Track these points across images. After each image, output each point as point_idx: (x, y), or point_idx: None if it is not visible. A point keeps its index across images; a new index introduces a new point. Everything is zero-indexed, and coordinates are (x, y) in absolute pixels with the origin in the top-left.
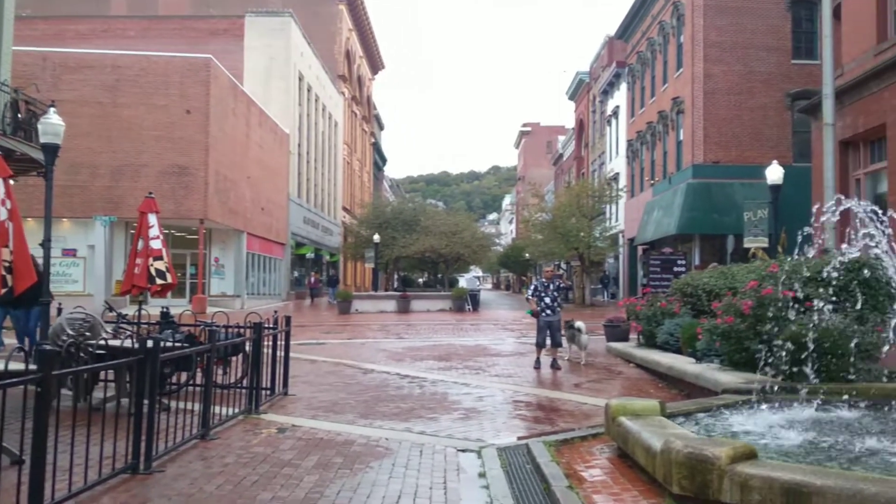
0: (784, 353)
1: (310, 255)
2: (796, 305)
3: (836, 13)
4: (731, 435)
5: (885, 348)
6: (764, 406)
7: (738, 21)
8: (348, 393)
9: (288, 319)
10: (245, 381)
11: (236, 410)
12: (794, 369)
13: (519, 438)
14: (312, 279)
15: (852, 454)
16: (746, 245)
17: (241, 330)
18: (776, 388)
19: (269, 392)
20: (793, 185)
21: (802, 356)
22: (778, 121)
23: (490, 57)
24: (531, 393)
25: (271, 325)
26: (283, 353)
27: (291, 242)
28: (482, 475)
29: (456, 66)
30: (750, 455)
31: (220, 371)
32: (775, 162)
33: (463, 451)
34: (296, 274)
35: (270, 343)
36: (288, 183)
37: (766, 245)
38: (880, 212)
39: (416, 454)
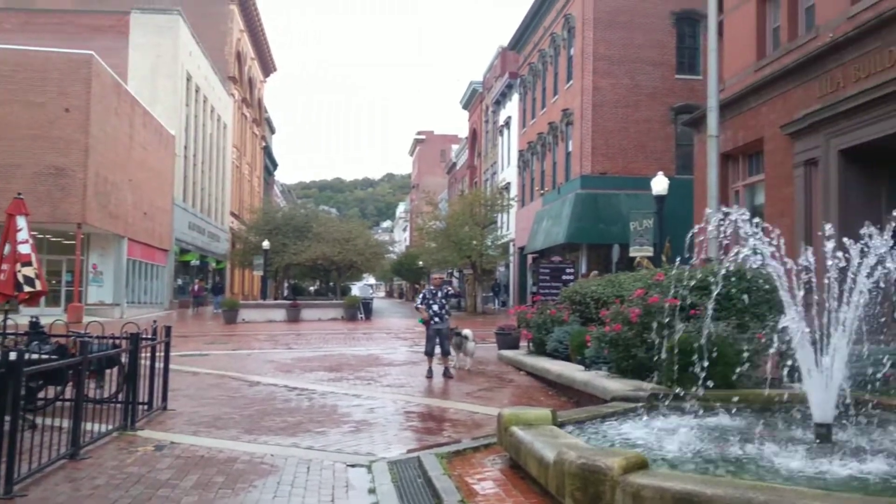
0: (671, 361)
1: (195, 262)
2: (681, 313)
3: (720, 30)
4: (621, 444)
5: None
6: (652, 414)
7: (626, 35)
8: (232, 407)
9: (168, 330)
10: (120, 396)
11: (110, 427)
12: (681, 377)
13: (410, 451)
14: (196, 287)
15: (739, 461)
16: (632, 254)
17: (117, 341)
18: (664, 395)
19: (146, 407)
20: (676, 197)
21: (688, 364)
22: (662, 134)
23: (386, 64)
24: (423, 403)
25: (150, 336)
26: (162, 366)
27: (175, 249)
28: (372, 491)
29: (352, 71)
30: (642, 465)
31: (92, 385)
32: (661, 173)
33: (353, 466)
34: (180, 282)
35: (149, 355)
36: (173, 186)
37: (651, 254)
38: (757, 222)
39: (304, 471)
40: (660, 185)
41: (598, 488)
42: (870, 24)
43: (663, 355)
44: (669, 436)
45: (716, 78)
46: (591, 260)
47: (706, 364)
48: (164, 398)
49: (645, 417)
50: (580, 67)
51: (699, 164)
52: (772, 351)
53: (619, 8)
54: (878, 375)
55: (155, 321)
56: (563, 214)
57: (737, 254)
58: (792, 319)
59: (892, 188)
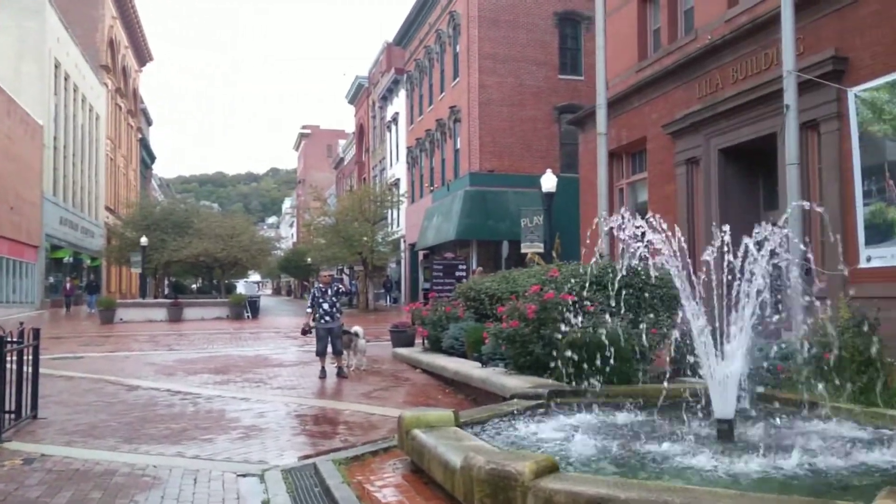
0: (568, 358)
1: (68, 258)
2: (576, 309)
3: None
4: (526, 444)
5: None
6: (553, 412)
7: (511, 34)
8: (110, 414)
9: (36, 332)
10: None
11: None
12: (578, 373)
13: (305, 457)
14: (68, 285)
15: (645, 460)
16: (524, 250)
17: None
18: (564, 392)
19: (13, 416)
20: (562, 194)
21: (585, 360)
22: (547, 133)
23: (270, 55)
24: (317, 405)
25: (15, 339)
26: (30, 370)
27: (46, 245)
28: (266, 503)
29: (234, 63)
30: (552, 468)
31: None
32: (549, 171)
33: (243, 475)
34: (51, 280)
35: (15, 359)
36: (42, 179)
37: (542, 250)
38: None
39: (190, 482)
40: (549, 182)
41: (509, 494)
42: (745, 27)
43: (561, 352)
44: (573, 435)
45: (604, 75)
46: (480, 256)
47: (602, 360)
48: (34, 406)
49: (545, 415)
50: (466, 65)
51: (584, 162)
52: (668, 345)
53: (503, 6)
54: (767, 368)
55: (22, 323)
56: (453, 211)
57: (637, 250)
58: (691, 314)
59: (766, 185)
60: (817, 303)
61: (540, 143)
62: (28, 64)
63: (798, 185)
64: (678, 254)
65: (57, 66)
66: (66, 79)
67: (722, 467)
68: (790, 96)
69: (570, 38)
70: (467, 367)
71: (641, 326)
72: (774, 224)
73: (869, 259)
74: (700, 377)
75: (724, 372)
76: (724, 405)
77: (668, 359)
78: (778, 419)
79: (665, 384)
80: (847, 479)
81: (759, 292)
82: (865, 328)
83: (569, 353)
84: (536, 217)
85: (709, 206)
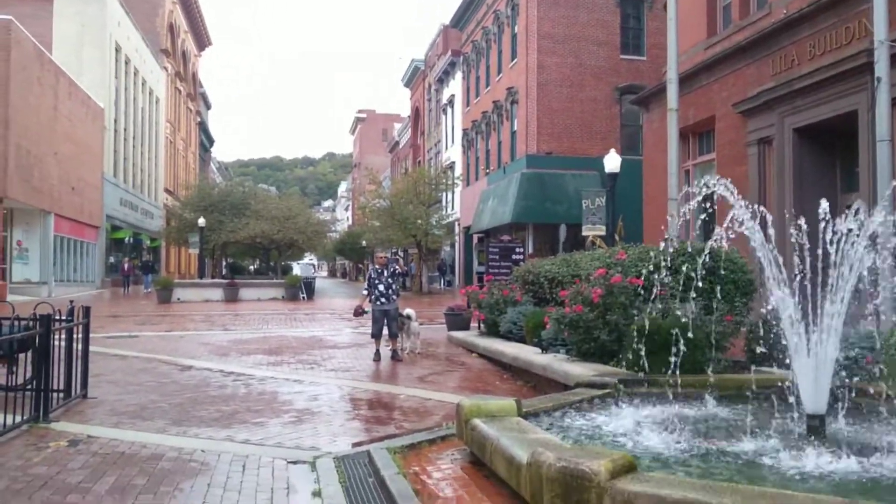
0: (637, 345)
1: (128, 239)
2: (645, 294)
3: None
4: (597, 438)
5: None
6: (623, 402)
7: (571, 14)
8: (161, 394)
9: (87, 310)
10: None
11: (19, 419)
12: (648, 361)
13: (358, 444)
14: (126, 266)
15: (735, 460)
16: (585, 233)
17: (31, 322)
18: (634, 381)
19: (63, 395)
20: (623, 177)
21: (656, 348)
22: (607, 114)
23: (326, 41)
24: (371, 389)
25: (64, 318)
26: (80, 348)
27: (107, 225)
28: (317, 494)
29: (291, 48)
30: (630, 467)
31: (3, 370)
32: (613, 151)
33: (294, 462)
34: (112, 259)
35: (65, 337)
36: (102, 161)
37: (603, 233)
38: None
39: (238, 469)
40: (612, 162)
41: (583, 496)
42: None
43: (629, 338)
44: (648, 428)
45: (675, 47)
46: (537, 240)
47: (674, 347)
48: (84, 385)
49: (616, 406)
50: (525, 45)
51: (648, 142)
52: (743, 333)
53: None
54: (857, 360)
55: (72, 301)
56: (509, 194)
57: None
58: (781, 300)
59: (844, 166)
60: None
61: (600, 124)
62: (89, 48)
63: (889, 163)
64: (764, 234)
65: (118, 51)
66: (126, 63)
67: (816, 468)
68: (882, 68)
69: (633, 18)
70: (527, 353)
71: (715, 313)
72: (848, 207)
73: None
74: (778, 367)
75: (817, 363)
76: (815, 399)
77: (744, 348)
78: (870, 415)
79: (750, 374)
80: None
81: (857, 279)
82: None
83: (638, 341)
84: (599, 198)
85: (782, 188)
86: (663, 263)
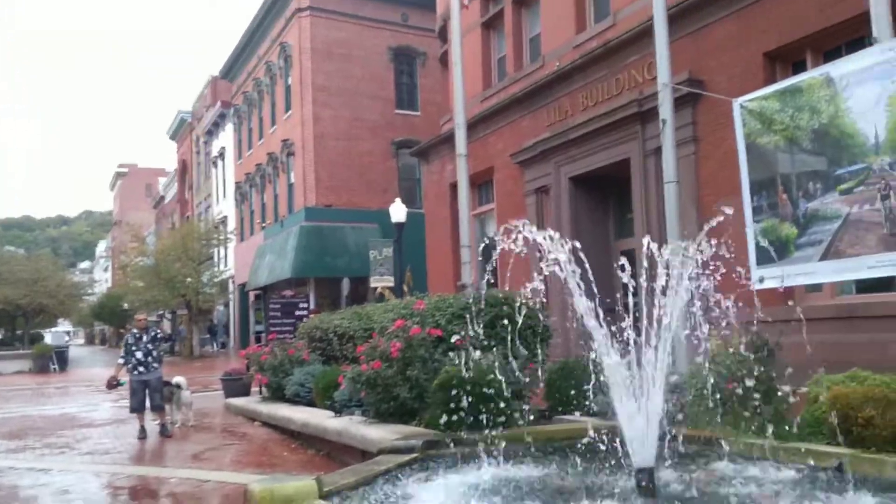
0: (440, 401)
1: None
2: (443, 346)
3: (443, 61)
4: None
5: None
6: (435, 467)
7: (345, 67)
8: None
9: None
10: None
11: None
12: (451, 418)
13: None
14: None
15: None
16: (373, 284)
17: None
18: (438, 442)
19: None
20: (405, 229)
21: (459, 403)
22: (385, 167)
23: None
24: (135, 473)
25: None
26: None
27: None
28: None
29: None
30: None
31: None
32: (398, 200)
33: None
34: None
35: None
36: None
37: (392, 284)
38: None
39: None
40: (398, 212)
41: None
42: (595, 52)
43: (432, 394)
44: (476, 500)
45: (462, 96)
46: (319, 294)
47: (478, 401)
48: None
49: (427, 473)
50: (299, 97)
51: (429, 194)
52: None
53: (337, 40)
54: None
55: None
56: (287, 248)
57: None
58: (602, 346)
59: (617, 212)
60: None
61: (378, 177)
62: None
63: (677, 202)
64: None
65: None
66: None
67: None
68: (666, 110)
69: (406, 74)
70: (318, 417)
71: (514, 362)
72: (623, 253)
73: (762, 280)
74: (582, 414)
75: (643, 411)
76: (643, 451)
77: (544, 397)
78: (693, 462)
79: (561, 424)
80: None
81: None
82: (765, 354)
83: (441, 396)
84: (386, 249)
85: (560, 235)
86: (461, 313)
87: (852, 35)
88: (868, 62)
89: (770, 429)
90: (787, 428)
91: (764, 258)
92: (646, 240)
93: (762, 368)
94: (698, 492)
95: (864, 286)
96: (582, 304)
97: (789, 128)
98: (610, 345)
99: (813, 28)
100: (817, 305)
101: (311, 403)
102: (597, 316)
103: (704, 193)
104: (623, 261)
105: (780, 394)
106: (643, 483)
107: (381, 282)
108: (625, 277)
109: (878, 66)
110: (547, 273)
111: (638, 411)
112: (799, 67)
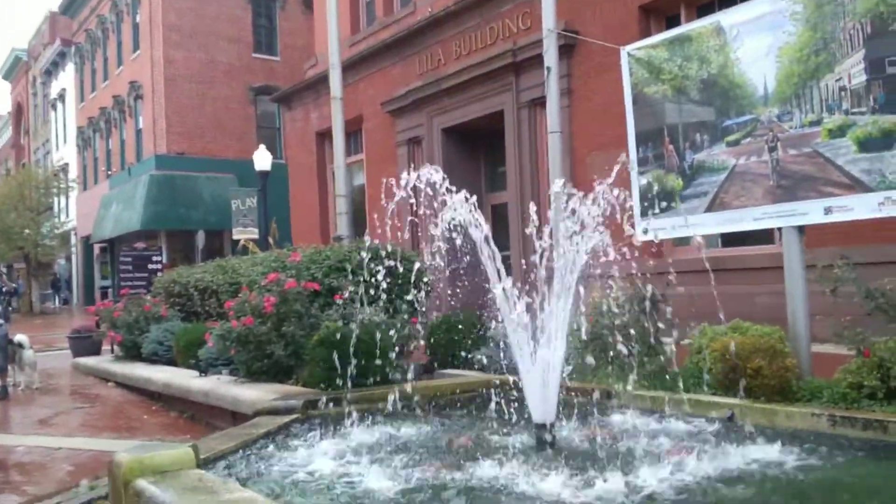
0: (320, 358)
1: None
2: (320, 299)
3: (308, 2)
4: (309, 486)
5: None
6: (320, 429)
7: (198, 6)
8: None
9: None
10: None
11: None
12: (331, 376)
13: None
14: None
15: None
16: (236, 237)
17: None
18: (318, 402)
19: None
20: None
21: (339, 360)
22: (242, 114)
23: None
24: None
25: None
26: None
27: None
28: None
29: None
30: None
31: None
32: (263, 147)
33: None
34: None
35: None
36: None
37: (256, 236)
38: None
39: None
40: (263, 160)
41: None
42: None
43: (310, 351)
44: (365, 461)
45: (337, 34)
46: (172, 248)
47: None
48: None
49: (310, 435)
50: (149, 36)
51: (292, 143)
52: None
53: None
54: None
55: None
56: (136, 198)
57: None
58: (503, 300)
59: (489, 166)
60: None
61: (234, 125)
62: None
63: (560, 154)
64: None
65: None
66: None
67: (569, 494)
68: (551, 58)
69: (265, 17)
70: (181, 377)
71: (398, 316)
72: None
73: (646, 231)
74: (467, 369)
75: (545, 363)
76: (543, 406)
77: (426, 351)
78: (586, 416)
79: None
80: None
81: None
82: (648, 306)
83: (321, 353)
84: (249, 199)
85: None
86: (339, 265)
87: None
88: (759, 12)
89: (658, 381)
90: (669, 379)
91: (648, 209)
92: (559, 182)
93: (644, 320)
94: (599, 444)
95: (730, 239)
96: (487, 259)
97: (677, 77)
98: (507, 297)
99: None
100: (688, 259)
101: (171, 362)
102: (496, 269)
103: (578, 145)
104: (531, 210)
105: (663, 345)
106: (545, 438)
107: (244, 234)
108: (529, 228)
109: (769, 16)
110: (436, 228)
111: (535, 367)
112: (673, 21)
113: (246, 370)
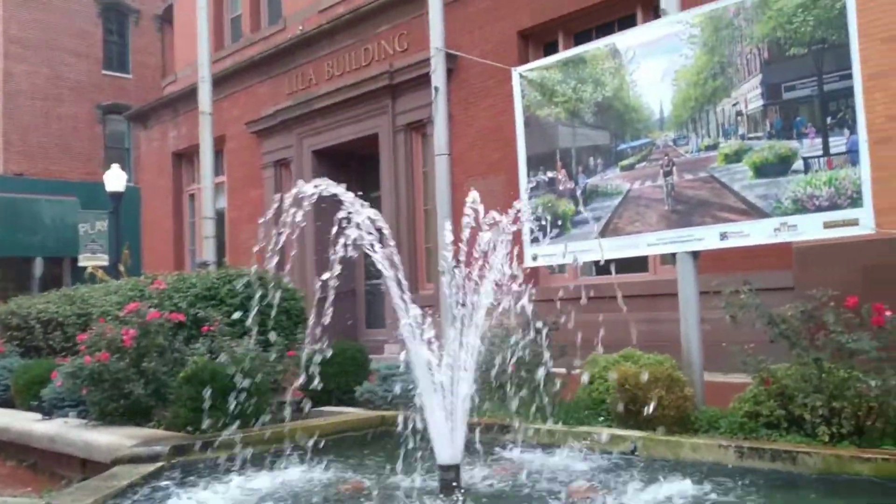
0: (188, 397)
1: None
2: (184, 332)
3: (167, 18)
4: None
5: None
6: (192, 479)
7: (44, 18)
8: None
9: None
10: None
11: None
12: (198, 417)
13: None
14: None
15: None
16: (83, 263)
17: None
18: (187, 447)
19: None
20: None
21: (209, 398)
22: (89, 134)
23: None
24: None
25: None
26: None
27: None
28: None
29: None
30: None
31: None
32: (116, 166)
33: None
34: None
35: None
36: None
37: (106, 263)
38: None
39: None
40: (116, 180)
41: None
42: (343, 17)
43: (176, 390)
44: None
45: (208, 48)
46: (6, 277)
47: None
48: None
49: (182, 486)
50: None
51: (147, 164)
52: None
53: None
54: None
55: None
56: None
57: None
58: (409, 328)
59: (362, 189)
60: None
61: (81, 145)
62: None
63: (448, 177)
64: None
65: None
66: None
67: None
68: (439, 77)
69: (116, 33)
70: (21, 421)
71: (274, 350)
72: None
73: (535, 258)
74: (344, 406)
75: (449, 404)
76: (450, 446)
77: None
78: (487, 452)
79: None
80: None
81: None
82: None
83: (189, 391)
84: (99, 223)
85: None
86: (206, 294)
87: (603, 19)
88: (655, 35)
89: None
90: (563, 411)
91: (539, 236)
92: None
93: (535, 350)
94: (509, 487)
95: (606, 267)
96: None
97: (571, 100)
98: (413, 329)
99: (566, 10)
100: (565, 286)
101: (7, 403)
102: (402, 298)
103: (457, 171)
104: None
105: (553, 376)
106: (447, 480)
107: (92, 260)
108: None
109: (665, 39)
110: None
111: (441, 402)
112: (551, 48)
113: (99, 412)
